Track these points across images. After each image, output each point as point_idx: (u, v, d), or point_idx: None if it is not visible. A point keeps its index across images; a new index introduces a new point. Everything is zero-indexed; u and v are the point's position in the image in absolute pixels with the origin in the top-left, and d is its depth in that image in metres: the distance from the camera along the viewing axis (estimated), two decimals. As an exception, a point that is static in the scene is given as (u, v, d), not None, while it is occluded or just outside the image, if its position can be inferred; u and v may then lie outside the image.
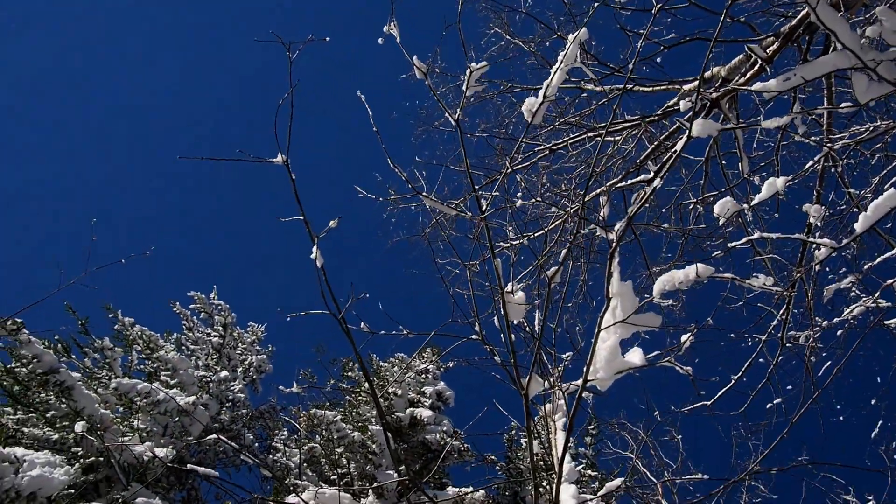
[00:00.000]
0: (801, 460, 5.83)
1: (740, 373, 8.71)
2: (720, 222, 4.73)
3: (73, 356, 10.06)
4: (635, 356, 3.68)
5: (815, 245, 6.10)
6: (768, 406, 8.95)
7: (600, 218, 8.60)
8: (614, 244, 3.59)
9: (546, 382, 4.91)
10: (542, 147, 10.23)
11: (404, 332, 5.10)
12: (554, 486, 4.41)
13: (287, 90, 3.50)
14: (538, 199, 9.53)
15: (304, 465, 10.63)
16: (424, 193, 4.85)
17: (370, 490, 9.90)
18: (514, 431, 13.29)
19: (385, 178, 9.89)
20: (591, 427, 14.85)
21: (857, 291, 7.85)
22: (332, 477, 10.34)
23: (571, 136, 10.14)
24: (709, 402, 8.83)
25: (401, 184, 9.70)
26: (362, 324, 4.93)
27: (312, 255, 3.64)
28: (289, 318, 4.33)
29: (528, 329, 5.23)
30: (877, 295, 7.36)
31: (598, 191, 8.99)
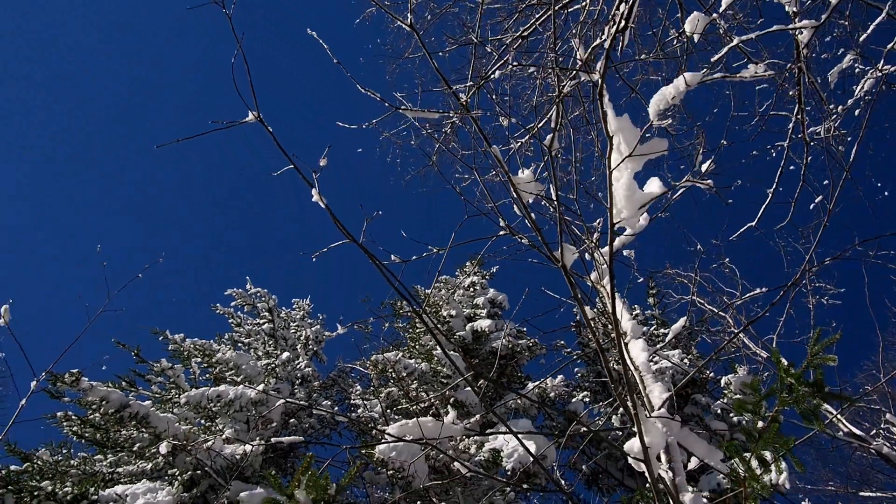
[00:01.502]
0: (851, 247, 5.71)
1: (774, 184, 8.54)
2: (695, 40, 4.54)
3: (139, 388, 10.26)
4: (654, 185, 3.58)
5: (797, 31, 5.88)
6: (811, 207, 8.80)
7: (578, 60, 8.34)
8: (599, 82, 3.44)
9: (582, 246, 4.84)
10: (514, 38, 9.94)
11: (434, 250, 5.04)
12: (623, 347, 4.37)
13: (238, 51, 3.40)
14: (514, 64, 9.26)
15: (388, 410, 10.80)
16: (403, 107, 4.74)
17: (449, 406, 10.03)
18: (576, 314, 13.29)
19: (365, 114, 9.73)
20: (651, 287, 14.78)
21: (860, 67, 7.60)
22: (416, 411, 10.48)
23: (537, 15, 9.82)
24: (754, 223, 8.70)
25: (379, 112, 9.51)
26: (392, 256, 4.88)
27: (314, 198, 3.54)
28: (313, 259, 4.25)
29: (546, 203, 5.15)
30: (881, 64, 7.12)
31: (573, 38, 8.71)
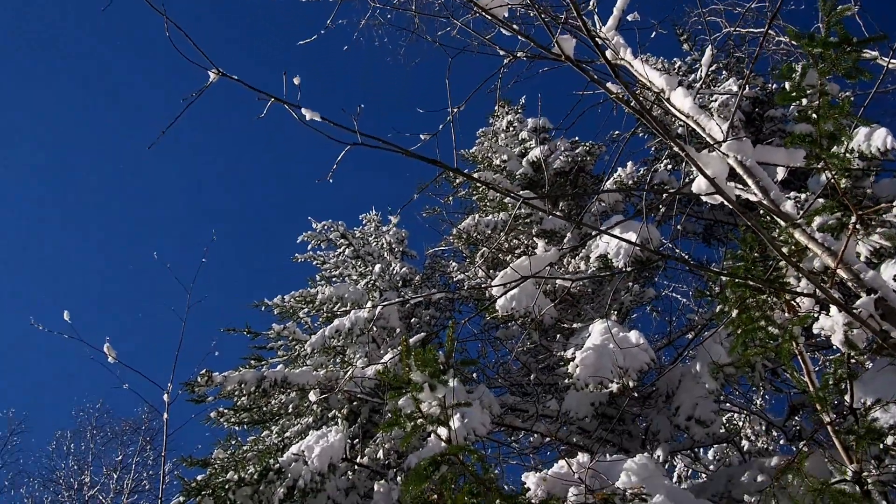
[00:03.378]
0: None
1: None
2: None
3: (267, 359, 10.64)
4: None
5: None
6: None
7: None
8: None
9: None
10: None
11: (454, 110, 4.92)
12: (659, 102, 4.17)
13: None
14: None
15: (490, 270, 10.90)
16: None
17: (536, 239, 10.03)
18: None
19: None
20: (680, 34, 14.09)
21: None
22: (512, 259, 10.55)
23: None
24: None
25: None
26: (421, 135, 4.81)
27: (307, 118, 3.45)
28: (330, 179, 4.17)
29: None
30: None
31: None
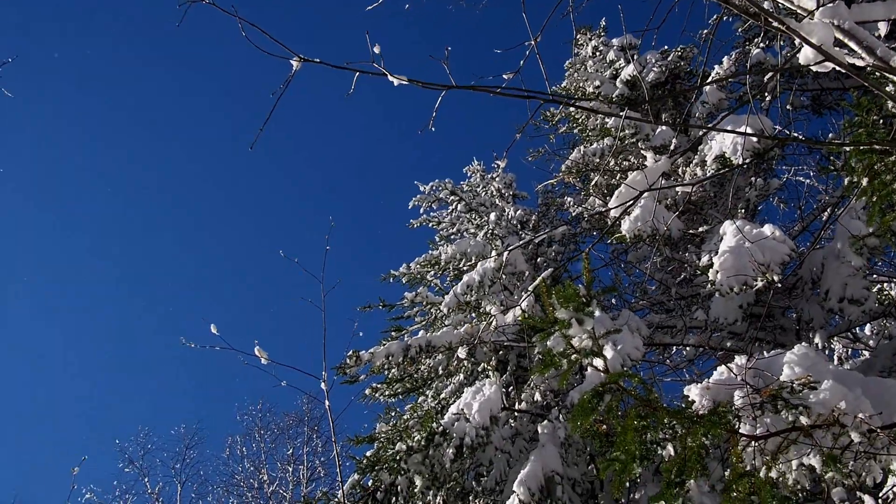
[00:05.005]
0: None
1: None
2: None
3: (406, 328, 10.82)
4: None
5: None
6: None
7: None
8: None
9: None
10: None
11: (534, 40, 4.81)
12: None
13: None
14: None
15: (605, 197, 10.66)
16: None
17: (643, 152, 9.70)
18: None
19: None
20: None
21: None
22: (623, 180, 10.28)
23: None
24: None
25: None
26: (504, 75, 4.72)
27: (396, 83, 3.42)
28: (430, 128, 4.13)
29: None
30: None
31: None
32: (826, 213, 10.46)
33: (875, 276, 11.03)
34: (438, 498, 9.10)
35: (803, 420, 4.00)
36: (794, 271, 9.15)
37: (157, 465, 28.12)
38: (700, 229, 9.76)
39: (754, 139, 8.62)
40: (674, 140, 10.07)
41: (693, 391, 4.79)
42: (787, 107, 10.83)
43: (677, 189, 9.34)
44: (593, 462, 8.63)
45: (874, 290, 10.19)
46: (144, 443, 25.44)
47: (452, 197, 12.36)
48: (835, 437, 3.97)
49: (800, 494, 4.18)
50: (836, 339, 13.57)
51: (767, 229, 8.14)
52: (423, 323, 10.89)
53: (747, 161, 8.67)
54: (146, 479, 24.04)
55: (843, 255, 8.17)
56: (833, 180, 11.24)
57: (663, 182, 8.83)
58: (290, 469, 23.26)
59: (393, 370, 9.64)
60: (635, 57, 11.97)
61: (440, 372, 9.92)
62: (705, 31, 12.12)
